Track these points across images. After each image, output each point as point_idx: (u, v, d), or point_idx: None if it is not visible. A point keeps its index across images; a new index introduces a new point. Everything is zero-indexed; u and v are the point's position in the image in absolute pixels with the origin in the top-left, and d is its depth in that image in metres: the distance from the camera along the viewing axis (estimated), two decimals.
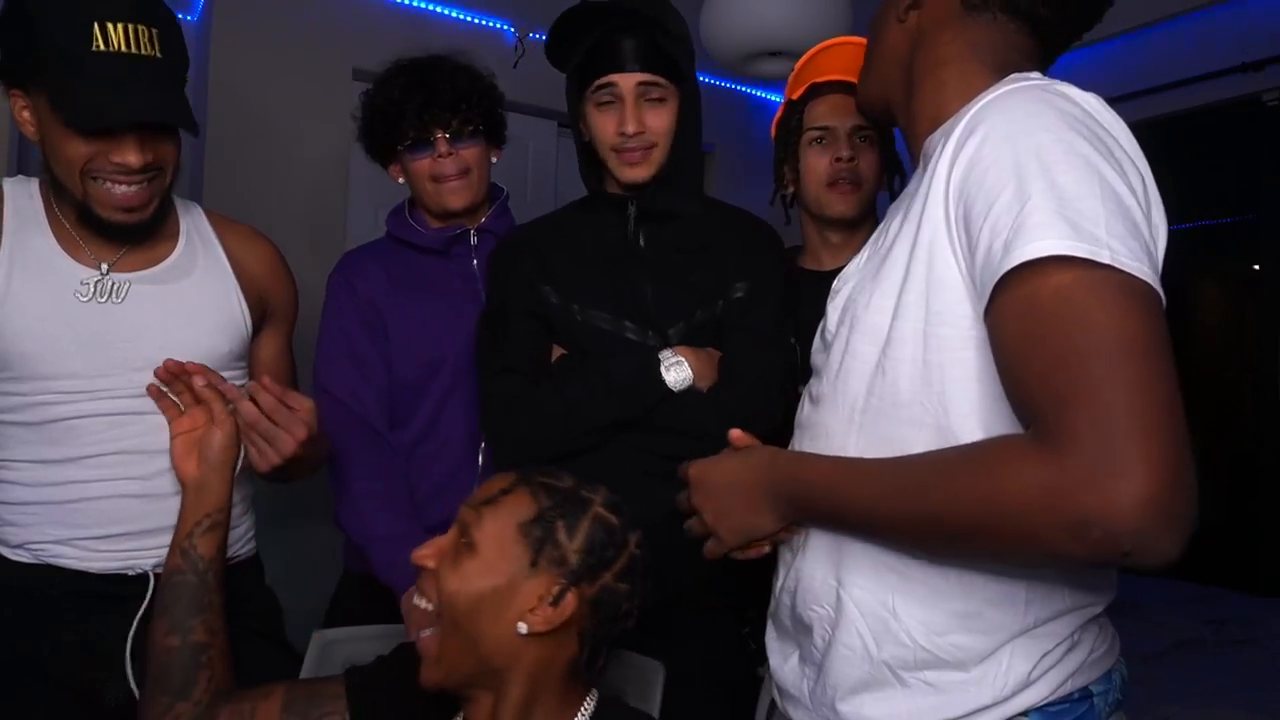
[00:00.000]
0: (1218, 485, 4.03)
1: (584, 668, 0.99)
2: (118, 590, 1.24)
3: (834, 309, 0.95)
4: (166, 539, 1.23)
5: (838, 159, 1.49)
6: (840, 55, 1.48)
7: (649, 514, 1.31)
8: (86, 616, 1.23)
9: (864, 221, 1.54)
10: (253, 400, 1.17)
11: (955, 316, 0.79)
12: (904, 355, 0.82)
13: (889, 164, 1.55)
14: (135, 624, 1.22)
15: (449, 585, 0.94)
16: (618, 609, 0.98)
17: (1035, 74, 0.87)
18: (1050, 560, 0.76)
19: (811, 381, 0.98)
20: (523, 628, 0.93)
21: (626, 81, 1.31)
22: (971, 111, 0.81)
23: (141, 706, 1.07)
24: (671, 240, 1.36)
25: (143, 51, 1.13)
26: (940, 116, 0.89)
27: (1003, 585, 0.81)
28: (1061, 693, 0.82)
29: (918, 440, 0.80)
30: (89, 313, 1.24)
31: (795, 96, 1.55)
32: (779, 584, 0.99)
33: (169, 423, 1.20)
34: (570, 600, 0.94)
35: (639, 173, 1.35)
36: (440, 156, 1.58)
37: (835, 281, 1.00)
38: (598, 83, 1.32)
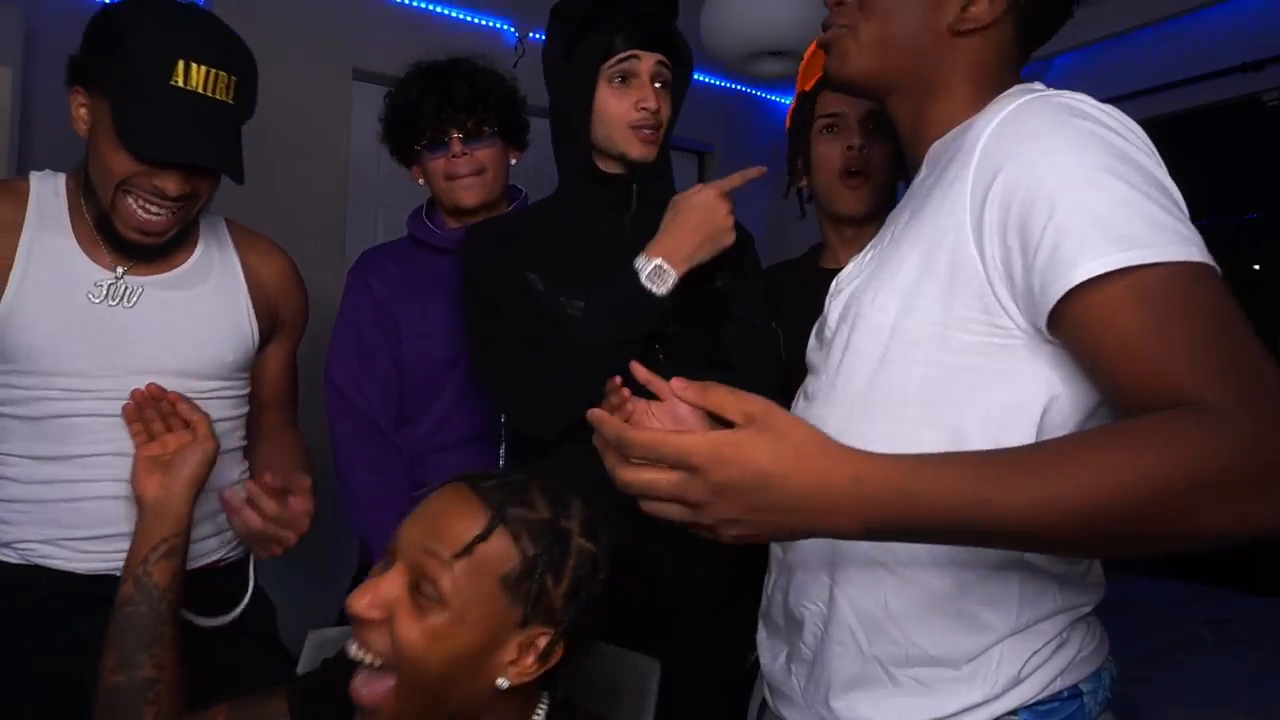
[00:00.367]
0: None
1: (541, 689, 0.93)
2: (106, 591, 1.23)
3: (835, 307, 0.95)
4: None
5: (849, 147, 1.47)
6: None
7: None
8: (75, 616, 1.23)
9: (878, 216, 1.53)
10: (252, 504, 1.18)
11: (978, 324, 0.79)
12: (916, 356, 0.82)
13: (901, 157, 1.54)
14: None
15: (412, 643, 0.82)
16: (590, 633, 0.91)
17: (1039, 84, 0.89)
18: (1249, 534, 0.67)
19: (808, 379, 0.98)
20: (504, 684, 0.84)
21: (648, 60, 1.33)
22: (995, 120, 0.81)
23: None
24: (655, 229, 1.35)
25: (216, 96, 1.16)
26: (953, 121, 0.89)
27: (996, 585, 0.82)
28: (1050, 691, 0.82)
29: (927, 440, 0.79)
30: (98, 313, 1.25)
31: (808, 88, 1.54)
32: (770, 581, 0.99)
33: (136, 446, 1.18)
34: (560, 649, 0.85)
35: (650, 150, 1.36)
36: (454, 156, 1.62)
37: (835, 281, 1.00)
38: (621, 55, 1.32)
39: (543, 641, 0.85)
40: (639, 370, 0.94)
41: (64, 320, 1.22)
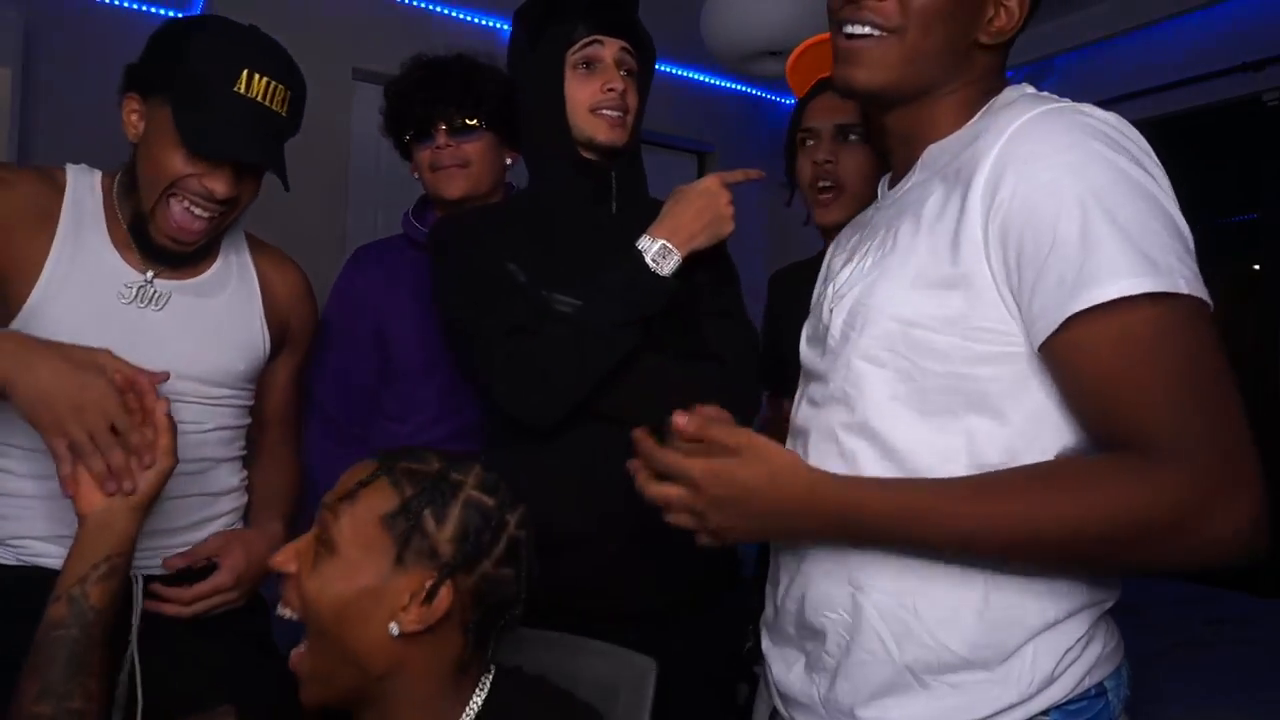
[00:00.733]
0: None
1: (472, 658, 0.93)
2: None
3: (838, 314, 0.93)
4: (159, 541, 1.25)
5: (814, 162, 1.49)
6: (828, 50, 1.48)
7: (640, 506, 1.30)
8: None
9: None
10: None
11: (995, 335, 0.80)
12: (935, 368, 0.82)
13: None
14: (134, 636, 1.21)
15: (309, 588, 0.86)
16: (502, 596, 0.91)
17: (1029, 86, 0.90)
18: (1160, 571, 0.81)
19: (812, 385, 0.97)
20: (394, 629, 0.85)
21: (612, 45, 1.34)
22: (1006, 133, 0.81)
23: None
24: (636, 221, 1.35)
25: (272, 106, 1.24)
26: (952, 124, 0.90)
27: (1023, 582, 0.82)
28: (1080, 689, 0.82)
29: (946, 450, 0.82)
30: (126, 315, 1.26)
31: (802, 94, 1.55)
32: (781, 591, 0.97)
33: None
34: (445, 595, 0.86)
35: (618, 135, 1.35)
36: (439, 147, 1.62)
37: (833, 286, 0.98)
38: (584, 41, 1.32)
39: (429, 584, 0.87)
40: (638, 433, 0.91)
41: (92, 318, 1.23)
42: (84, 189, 1.29)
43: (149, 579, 1.26)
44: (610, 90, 1.32)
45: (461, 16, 3.19)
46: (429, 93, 1.62)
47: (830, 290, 0.97)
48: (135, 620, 1.22)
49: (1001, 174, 0.79)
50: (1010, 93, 0.90)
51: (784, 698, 0.96)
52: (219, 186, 1.23)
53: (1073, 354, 0.76)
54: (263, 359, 1.40)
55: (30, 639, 1.16)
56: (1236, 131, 3.56)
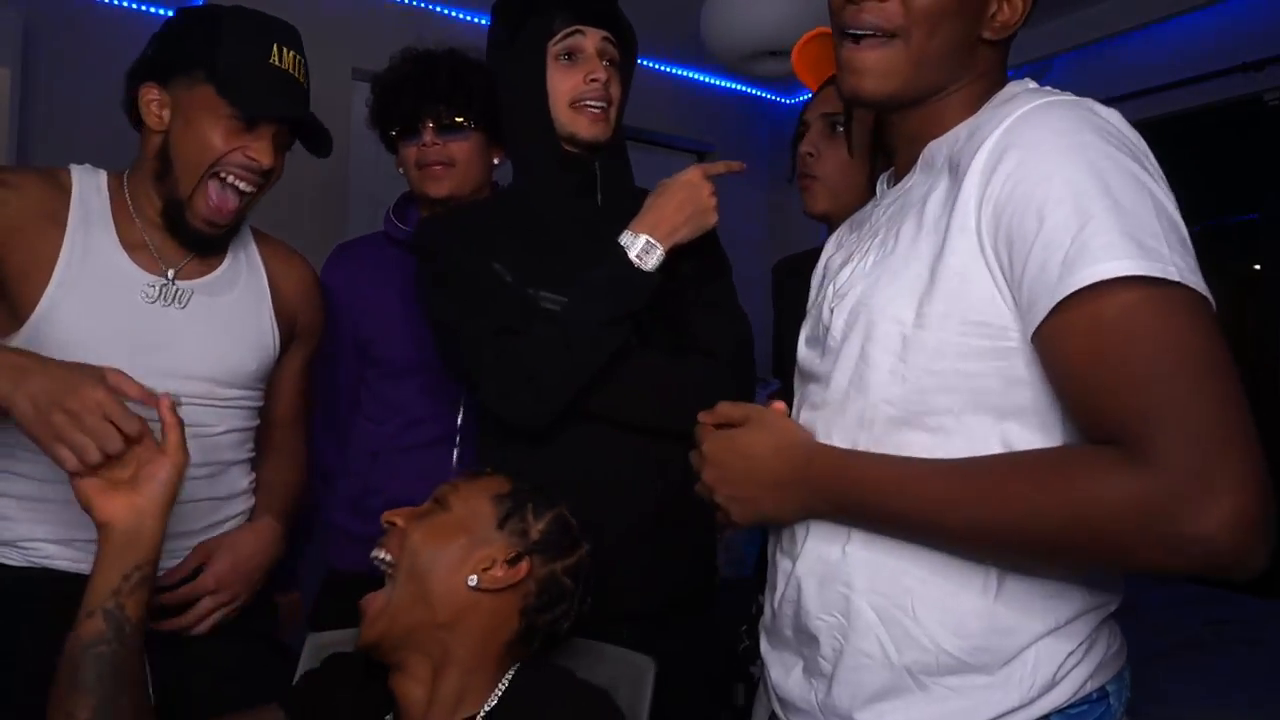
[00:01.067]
0: None
1: (516, 645, 1.02)
2: None
3: (839, 314, 0.92)
4: (170, 545, 1.21)
5: (800, 154, 1.49)
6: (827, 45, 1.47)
7: (639, 507, 1.30)
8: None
9: (844, 217, 1.53)
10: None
11: (993, 329, 0.78)
12: (933, 366, 0.81)
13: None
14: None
15: (415, 536, 1.00)
16: (559, 602, 1.03)
17: (1030, 81, 0.89)
18: (1138, 571, 0.75)
19: (811, 386, 0.96)
20: (473, 579, 0.98)
21: (593, 35, 1.33)
22: (1005, 123, 0.79)
23: None
24: (622, 214, 1.35)
25: (299, 77, 1.31)
26: (954, 120, 0.88)
27: (1024, 583, 0.80)
28: (1082, 694, 0.81)
29: (943, 449, 0.80)
30: (151, 315, 1.26)
31: (817, 88, 1.54)
32: (777, 595, 0.96)
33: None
34: (524, 565, 1.00)
35: (600, 129, 1.34)
36: (425, 145, 1.59)
37: (833, 285, 0.97)
38: (565, 31, 1.32)
39: (509, 555, 1.00)
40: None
41: (108, 320, 1.23)
42: (90, 189, 1.28)
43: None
44: (593, 80, 1.31)
45: (462, 16, 3.19)
46: (418, 88, 1.59)
47: (830, 290, 0.96)
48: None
49: (996, 163, 0.78)
50: (1013, 87, 0.89)
51: (782, 702, 0.95)
52: (264, 156, 1.26)
53: (1057, 342, 0.74)
54: (273, 357, 1.40)
55: (35, 640, 1.16)
56: (1236, 131, 3.56)
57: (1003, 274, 0.77)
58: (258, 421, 1.42)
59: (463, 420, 1.59)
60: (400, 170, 1.68)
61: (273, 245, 1.45)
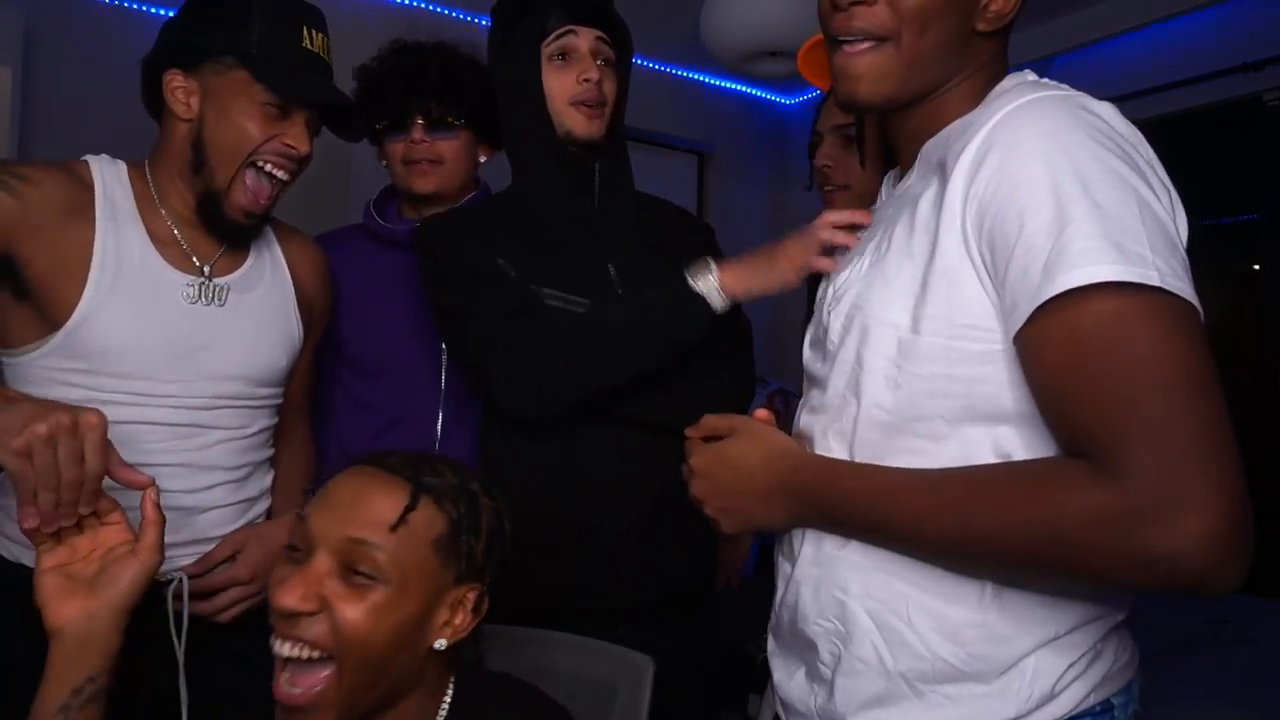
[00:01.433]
0: None
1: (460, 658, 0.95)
2: (151, 594, 1.21)
3: (835, 316, 0.90)
4: (203, 547, 1.23)
5: (818, 166, 1.48)
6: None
7: (638, 505, 1.29)
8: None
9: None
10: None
11: (981, 332, 0.77)
12: (927, 371, 0.79)
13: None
14: (184, 638, 1.18)
15: (357, 624, 0.82)
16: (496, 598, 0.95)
17: (1030, 73, 0.86)
18: (1109, 586, 0.74)
19: (813, 390, 0.95)
20: (442, 644, 0.88)
21: (587, 35, 1.33)
22: (992, 121, 0.78)
23: None
24: (620, 214, 1.34)
25: (328, 59, 1.29)
26: (952, 117, 0.86)
27: (1022, 592, 0.79)
28: (1084, 706, 0.79)
29: (938, 455, 0.79)
30: (193, 316, 1.22)
31: (827, 88, 1.54)
32: (778, 598, 0.95)
33: (40, 554, 0.91)
34: (485, 601, 0.91)
35: (595, 127, 1.34)
36: (413, 142, 1.56)
37: (832, 287, 0.96)
38: (559, 31, 1.32)
39: (472, 596, 0.90)
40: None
41: (152, 324, 1.19)
42: (113, 182, 1.23)
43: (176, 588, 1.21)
44: (586, 80, 1.31)
45: (462, 17, 3.19)
46: (408, 83, 1.55)
47: (830, 292, 0.95)
48: (183, 625, 1.18)
49: (980, 163, 0.76)
50: (1009, 80, 0.86)
51: (785, 705, 0.94)
52: (301, 143, 1.24)
53: (1034, 350, 0.72)
54: (299, 351, 1.36)
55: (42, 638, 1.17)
56: (1236, 131, 3.56)
57: (989, 275, 0.75)
58: (278, 418, 1.39)
59: (443, 424, 1.56)
60: (383, 163, 1.65)
61: (287, 232, 1.42)
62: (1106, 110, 0.78)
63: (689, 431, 0.95)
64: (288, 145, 1.23)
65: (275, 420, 1.37)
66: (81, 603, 0.89)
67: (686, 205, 3.92)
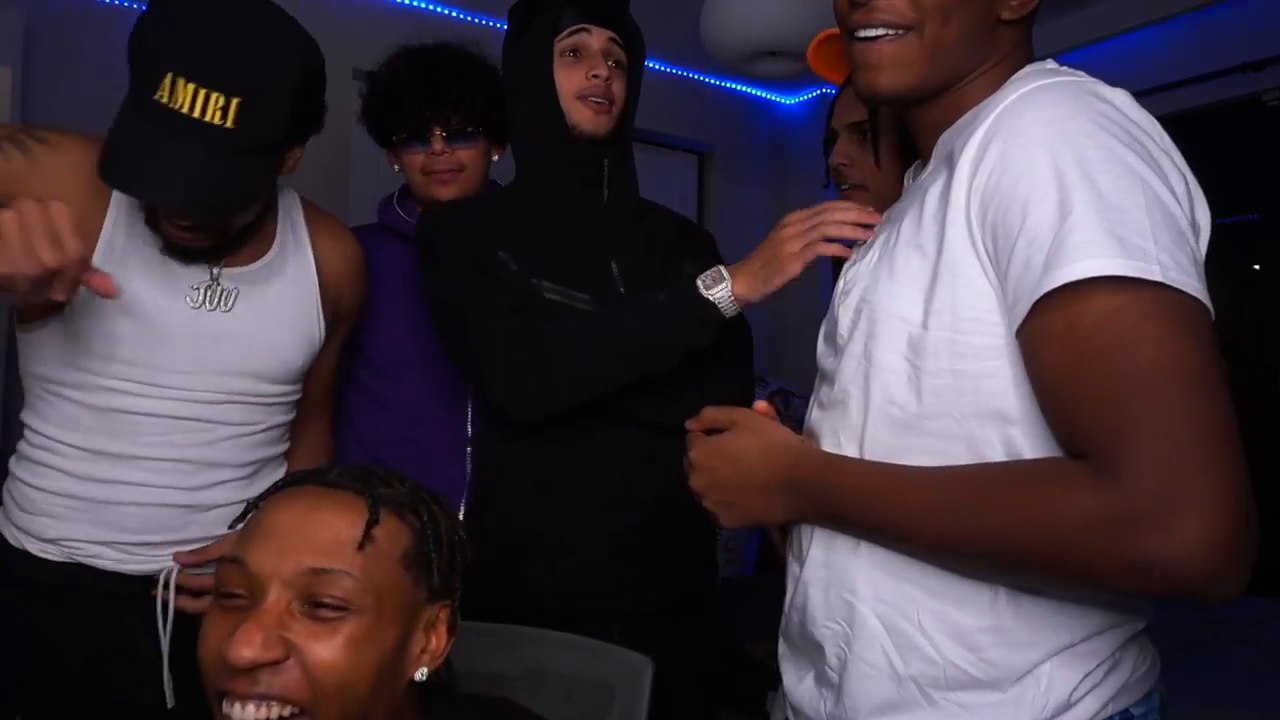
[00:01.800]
0: None
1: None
2: (150, 589, 1.21)
3: (845, 311, 0.88)
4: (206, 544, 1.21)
5: (834, 165, 1.47)
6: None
7: (638, 504, 1.29)
8: (120, 619, 1.19)
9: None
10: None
11: (987, 325, 0.75)
12: (934, 366, 0.77)
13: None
14: (169, 629, 1.18)
15: (334, 664, 0.72)
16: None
17: (1051, 62, 0.84)
18: (1107, 592, 0.72)
19: (824, 386, 0.93)
20: (423, 674, 0.79)
21: (599, 35, 1.34)
22: (998, 109, 0.76)
23: None
24: (627, 210, 1.34)
25: (208, 119, 0.99)
26: (966, 109, 0.84)
27: (1038, 598, 0.76)
28: (1102, 716, 0.77)
29: (947, 453, 0.77)
30: (195, 320, 1.19)
31: (842, 81, 1.52)
32: (788, 600, 0.93)
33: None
34: (458, 620, 0.84)
35: (601, 123, 1.34)
36: (435, 154, 1.56)
37: (843, 278, 0.94)
38: (571, 29, 1.33)
39: (445, 614, 0.81)
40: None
41: (154, 314, 1.16)
42: None
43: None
44: (595, 77, 1.32)
45: (462, 17, 3.19)
46: (426, 95, 1.55)
47: (841, 284, 0.93)
48: (168, 615, 1.18)
49: (984, 152, 0.75)
50: (1028, 68, 0.83)
51: (795, 710, 0.93)
52: (172, 224, 1.11)
53: (1034, 346, 0.70)
54: (318, 349, 1.32)
55: (80, 631, 1.16)
56: (1236, 131, 3.55)
57: (993, 267, 0.74)
58: (294, 414, 1.36)
59: (471, 421, 1.55)
60: (397, 169, 1.65)
61: (322, 222, 1.36)
62: (1120, 97, 0.76)
63: (689, 424, 0.94)
64: (168, 211, 1.10)
65: (291, 416, 1.34)
66: None
67: (687, 205, 3.95)
